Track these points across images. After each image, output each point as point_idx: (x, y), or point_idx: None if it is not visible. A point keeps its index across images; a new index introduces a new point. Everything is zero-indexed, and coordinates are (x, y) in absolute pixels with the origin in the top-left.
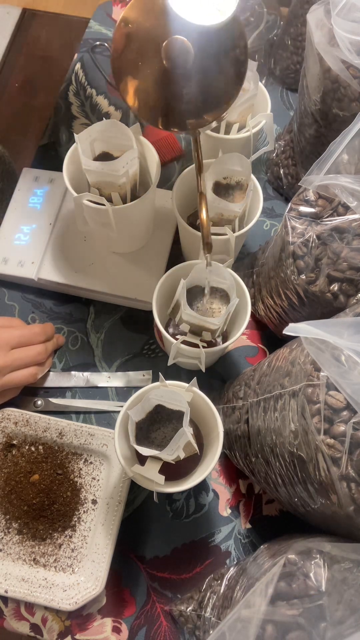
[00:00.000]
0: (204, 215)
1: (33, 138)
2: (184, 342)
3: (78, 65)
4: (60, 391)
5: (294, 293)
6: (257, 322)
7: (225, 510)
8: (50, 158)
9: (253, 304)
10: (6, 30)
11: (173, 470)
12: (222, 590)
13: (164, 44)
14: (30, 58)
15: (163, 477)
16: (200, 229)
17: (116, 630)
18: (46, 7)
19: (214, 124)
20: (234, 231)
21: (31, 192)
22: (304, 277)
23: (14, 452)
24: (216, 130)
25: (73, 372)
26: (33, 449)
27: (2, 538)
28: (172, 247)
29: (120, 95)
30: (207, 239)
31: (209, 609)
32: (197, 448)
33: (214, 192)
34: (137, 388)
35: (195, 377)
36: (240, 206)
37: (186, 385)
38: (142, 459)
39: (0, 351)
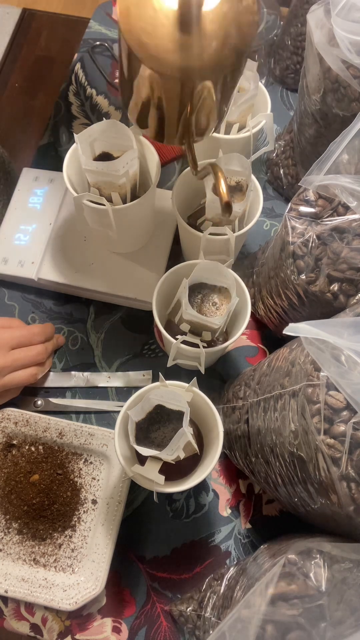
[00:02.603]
0: (222, 183)
1: (33, 138)
2: (184, 342)
3: (78, 65)
4: (60, 391)
5: (294, 293)
6: (257, 322)
7: (225, 510)
8: (50, 158)
9: (253, 304)
10: (6, 30)
11: (173, 470)
12: (222, 590)
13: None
14: (30, 58)
15: (163, 477)
16: (217, 192)
17: (116, 630)
18: (46, 7)
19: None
20: (234, 231)
21: (31, 192)
22: (304, 277)
23: (14, 452)
24: (216, 130)
25: (73, 372)
26: (33, 449)
27: (2, 538)
28: (172, 247)
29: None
30: (226, 197)
31: (209, 609)
32: (197, 448)
33: (214, 192)
34: (137, 388)
35: (195, 377)
36: (241, 206)
37: (186, 385)
38: (142, 459)
39: (0, 351)
